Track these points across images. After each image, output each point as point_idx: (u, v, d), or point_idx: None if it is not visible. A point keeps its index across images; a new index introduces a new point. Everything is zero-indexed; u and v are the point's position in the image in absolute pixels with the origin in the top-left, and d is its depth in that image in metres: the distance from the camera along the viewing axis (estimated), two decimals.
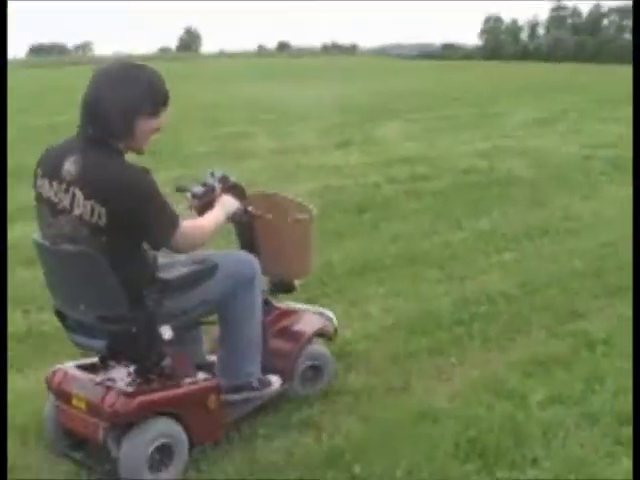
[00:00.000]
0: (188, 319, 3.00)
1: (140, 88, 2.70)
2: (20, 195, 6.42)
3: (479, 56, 61.69)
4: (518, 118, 14.82)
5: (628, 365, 3.59)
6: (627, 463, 2.82)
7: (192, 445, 2.91)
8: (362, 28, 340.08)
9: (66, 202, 2.65)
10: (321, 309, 3.71)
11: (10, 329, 3.97)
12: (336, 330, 3.65)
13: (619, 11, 67.40)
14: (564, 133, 12.66)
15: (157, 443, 2.79)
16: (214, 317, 3.17)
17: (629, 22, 65.06)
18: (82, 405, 2.85)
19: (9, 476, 2.83)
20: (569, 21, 71.96)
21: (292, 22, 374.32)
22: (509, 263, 5.48)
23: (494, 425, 3.08)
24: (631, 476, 2.66)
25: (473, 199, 7.51)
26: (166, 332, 2.80)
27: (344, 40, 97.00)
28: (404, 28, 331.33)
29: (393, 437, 3.10)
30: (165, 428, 2.83)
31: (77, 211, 2.64)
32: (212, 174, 3.17)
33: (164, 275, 2.83)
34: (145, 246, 2.78)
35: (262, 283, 3.24)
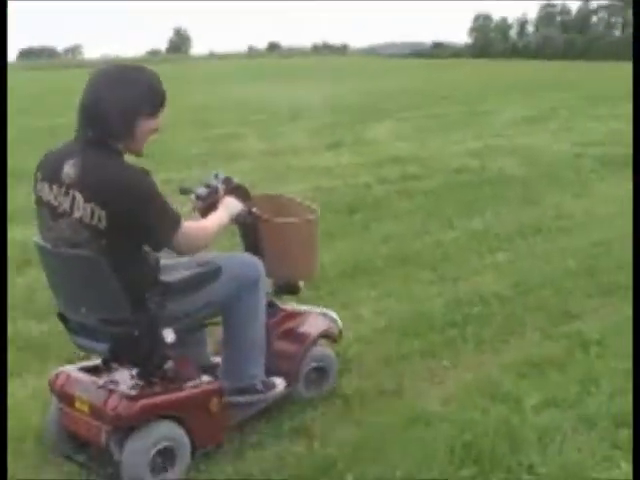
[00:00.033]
0: (191, 322, 2.98)
1: (139, 89, 2.70)
2: (19, 197, 6.42)
3: (468, 54, 61.86)
4: (507, 116, 14.83)
5: (623, 366, 3.56)
6: (625, 468, 2.77)
7: (195, 448, 2.90)
8: (353, 28, 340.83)
9: (66, 205, 2.65)
10: (325, 310, 3.67)
11: None
12: (341, 331, 3.61)
13: (608, 8, 67.67)
14: (555, 131, 12.66)
15: (159, 446, 2.79)
16: (218, 318, 3.14)
17: (618, 19, 65.39)
18: (85, 408, 2.86)
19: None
20: (558, 19, 72.23)
21: (282, 22, 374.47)
22: (502, 263, 5.44)
23: (489, 429, 3.02)
24: None
25: (465, 198, 7.47)
26: (169, 335, 2.79)
27: (335, 40, 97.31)
28: (395, 27, 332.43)
29: (386, 443, 3.04)
30: (167, 431, 2.82)
31: (77, 214, 2.63)
32: (216, 175, 3.16)
33: (167, 278, 2.82)
34: (147, 248, 2.77)
35: (266, 285, 3.22)
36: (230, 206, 3.03)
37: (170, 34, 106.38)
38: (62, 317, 2.92)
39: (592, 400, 3.31)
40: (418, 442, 3.01)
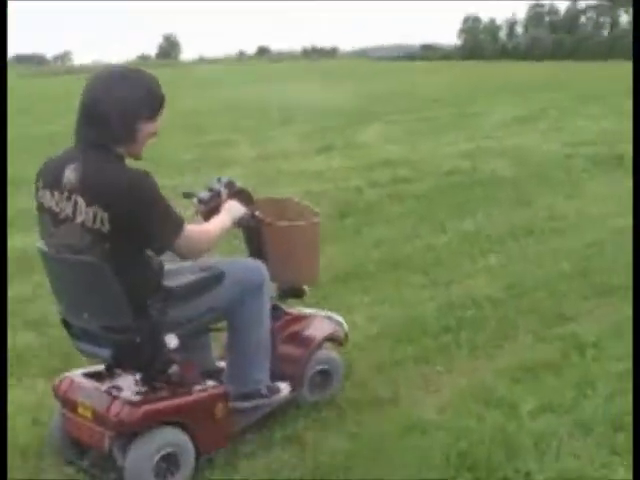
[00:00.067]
0: (195, 327, 2.96)
1: (139, 92, 2.68)
2: (18, 204, 6.38)
3: (458, 56, 61.98)
4: (498, 117, 14.81)
5: (619, 368, 3.52)
6: (624, 474, 2.73)
7: (199, 454, 2.87)
8: (342, 31, 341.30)
9: (68, 210, 2.63)
10: (331, 313, 3.64)
11: None
12: (347, 335, 3.57)
13: (596, 8, 67.90)
14: (545, 131, 12.65)
15: (163, 452, 2.77)
16: (223, 323, 3.11)
17: (606, 19, 65.60)
18: (88, 414, 2.84)
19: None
20: (547, 19, 72.41)
21: (272, 26, 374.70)
22: (494, 266, 5.39)
23: (485, 437, 2.98)
24: None
25: (457, 201, 7.43)
26: (172, 341, 2.77)
27: (324, 43, 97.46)
28: (384, 30, 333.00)
29: (380, 452, 2.99)
30: (171, 437, 2.80)
31: (79, 219, 2.61)
32: (218, 179, 3.16)
33: (169, 283, 2.80)
34: (150, 253, 2.74)
35: (270, 289, 3.19)
36: (233, 210, 3.02)
37: (160, 40, 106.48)
38: (65, 323, 2.90)
39: (589, 404, 3.27)
40: (414, 451, 2.96)
